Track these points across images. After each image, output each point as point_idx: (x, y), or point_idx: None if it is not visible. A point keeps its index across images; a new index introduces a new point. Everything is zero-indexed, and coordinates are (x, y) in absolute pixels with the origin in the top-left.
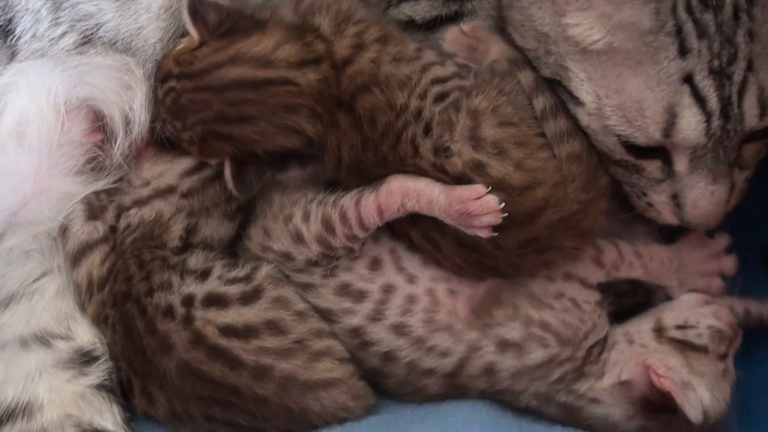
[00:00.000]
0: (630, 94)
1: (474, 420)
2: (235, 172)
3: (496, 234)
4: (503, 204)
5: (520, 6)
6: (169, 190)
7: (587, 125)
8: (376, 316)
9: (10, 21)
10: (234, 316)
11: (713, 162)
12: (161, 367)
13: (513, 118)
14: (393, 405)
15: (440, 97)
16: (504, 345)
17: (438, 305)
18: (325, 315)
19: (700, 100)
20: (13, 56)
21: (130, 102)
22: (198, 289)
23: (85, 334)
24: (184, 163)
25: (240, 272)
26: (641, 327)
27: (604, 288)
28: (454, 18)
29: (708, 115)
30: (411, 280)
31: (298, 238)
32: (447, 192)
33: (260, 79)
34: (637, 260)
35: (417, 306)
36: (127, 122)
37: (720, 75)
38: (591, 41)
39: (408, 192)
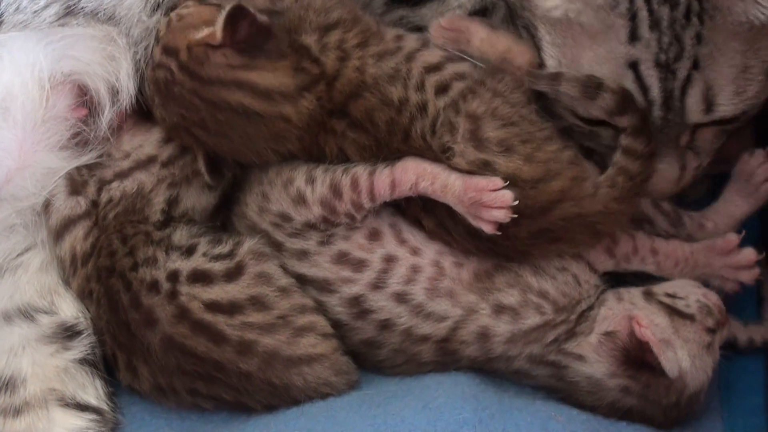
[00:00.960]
0: (582, 66)
1: (456, 395)
2: (209, 163)
3: (499, 233)
4: (517, 201)
5: None
6: (150, 160)
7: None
8: (378, 284)
9: None
10: (219, 292)
11: (658, 143)
12: (145, 341)
13: (513, 117)
14: (376, 380)
15: (442, 89)
16: (500, 309)
17: (443, 275)
18: (322, 285)
19: (643, 87)
20: None
21: (115, 73)
22: (183, 265)
23: (69, 309)
24: (159, 131)
25: (224, 249)
26: (631, 289)
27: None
28: None
29: (649, 104)
30: (415, 251)
31: (300, 200)
32: (464, 178)
33: (255, 111)
34: (652, 257)
35: (421, 275)
36: (114, 93)
37: (665, 69)
38: (548, 6)
39: (424, 173)
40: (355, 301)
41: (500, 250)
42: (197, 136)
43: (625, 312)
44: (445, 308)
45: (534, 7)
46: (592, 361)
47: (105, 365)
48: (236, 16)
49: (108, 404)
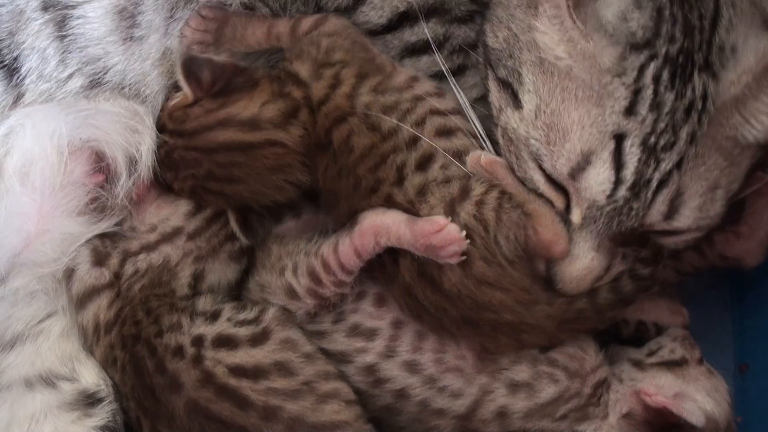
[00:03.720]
0: (563, 120)
1: None
2: (241, 219)
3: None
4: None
5: (507, 4)
6: (176, 233)
7: (515, 128)
8: (388, 353)
9: (15, 59)
10: (244, 356)
11: (604, 229)
12: (170, 406)
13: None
14: None
15: (444, 132)
16: (514, 386)
17: (444, 347)
18: (339, 357)
19: (618, 163)
20: (19, 97)
21: (136, 144)
22: (208, 330)
23: (90, 376)
24: (187, 204)
25: (249, 314)
26: (622, 365)
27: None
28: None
29: (618, 182)
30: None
31: (292, 294)
32: (411, 227)
33: (248, 143)
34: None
35: (426, 344)
36: (132, 163)
37: (651, 153)
38: (554, 55)
39: (379, 230)
40: (370, 370)
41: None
42: (214, 190)
43: (630, 389)
44: (458, 386)
45: (537, 49)
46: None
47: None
48: (190, 67)
49: None
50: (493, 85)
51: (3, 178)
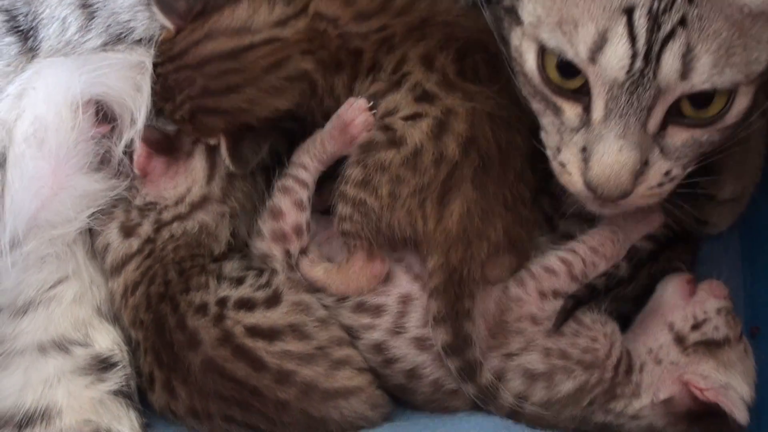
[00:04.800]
0: (571, 10)
1: (487, 427)
2: (231, 147)
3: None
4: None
5: None
6: (205, 200)
7: (517, 46)
8: (396, 330)
9: (33, 28)
10: (259, 317)
11: (626, 109)
12: (187, 362)
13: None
14: (407, 412)
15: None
16: (531, 376)
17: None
18: (347, 331)
19: (632, 36)
20: (33, 58)
21: (138, 105)
22: (232, 293)
23: (104, 341)
24: (200, 169)
25: (263, 279)
26: (661, 340)
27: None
28: None
29: (635, 54)
30: (425, 287)
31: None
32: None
33: (238, 48)
34: (596, 255)
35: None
36: (134, 120)
37: (655, 18)
38: None
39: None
40: (378, 348)
41: None
42: (212, 107)
43: (672, 374)
44: None
45: None
46: (651, 417)
47: (139, 397)
48: (166, 2)
49: None
50: (508, 28)
51: (15, 144)
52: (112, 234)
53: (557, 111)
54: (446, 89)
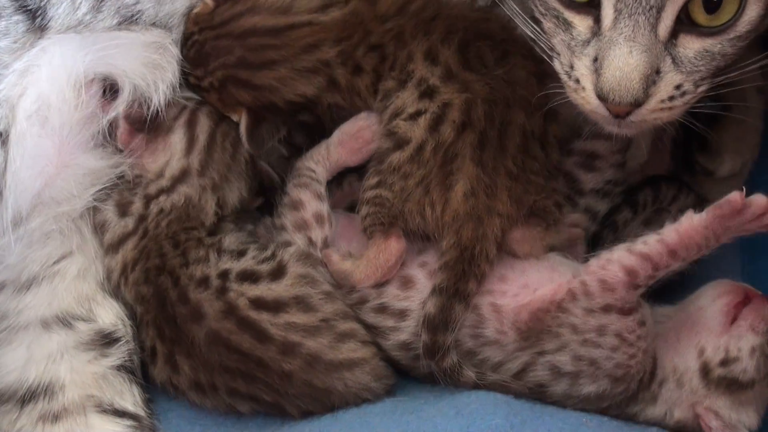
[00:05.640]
0: None
1: (488, 401)
2: (250, 126)
3: None
4: None
5: None
6: (185, 173)
7: None
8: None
9: (41, 7)
10: (264, 290)
11: (635, 8)
12: (190, 335)
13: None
14: (408, 386)
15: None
16: (559, 373)
17: (483, 321)
18: (373, 330)
19: None
20: (42, 36)
21: (155, 81)
22: (234, 266)
23: (107, 316)
24: (178, 142)
25: (267, 253)
26: (688, 363)
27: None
28: None
29: None
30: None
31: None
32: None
33: (281, 26)
34: (672, 259)
35: (464, 320)
36: (145, 97)
37: None
38: None
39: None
40: (407, 347)
41: None
42: (244, 79)
43: (689, 400)
44: (499, 358)
45: None
46: (661, 425)
47: (142, 372)
48: None
49: (145, 410)
50: None
51: (18, 121)
52: (109, 212)
53: (568, 26)
54: (447, 81)
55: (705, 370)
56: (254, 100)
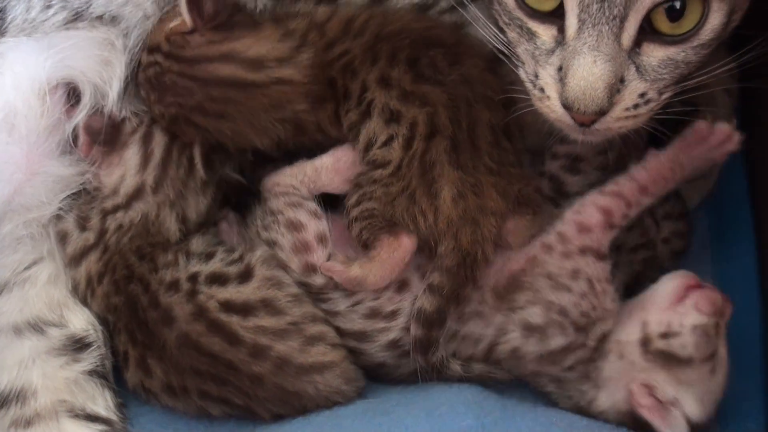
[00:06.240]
0: None
1: (459, 402)
2: (204, 154)
3: None
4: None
5: None
6: (139, 191)
7: None
8: (409, 325)
9: (1, 10)
10: (233, 292)
11: (599, 18)
12: (162, 338)
13: None
14: (380, 389)
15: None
16: (529, 329)
17: (468, 299)
18: (360, 336)
19: None
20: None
21: (108, 79)
22: (203, 268)
23: (78, 321)
24: (133, 157)
25: (235, 255)
26: (631, 336)
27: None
28: None
29: None
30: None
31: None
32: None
33: (249, 81)
34: (643, 195)
35: None
36: (101, 96)
37: None
38: None
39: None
40: (395, 345)
41: None
42: (197, 123)
43: (626, 376)
44: (480, 331)
45: None
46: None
47: (115, 377)
48: None
49: (117, 415)
50: None
51: None
52: (70, 224)
53: (532, 36)
54: (405, 102)
55: (645, 342)
56: (203, 139)
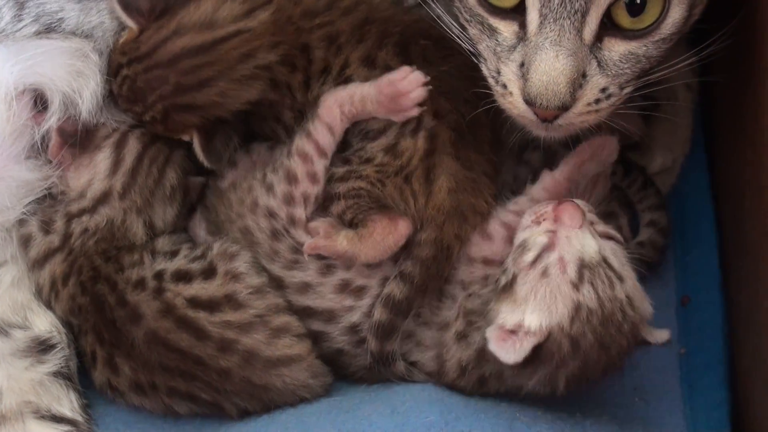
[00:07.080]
0: None
1: (422, 399)
2: (204, 143)
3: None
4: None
5: None
6: (106, 195)
7: None
8: (371, 312)
9: None
10: (198, 289)
11: (560, 13)
12: (130, 336)
13: None
14: (344, 387)
15: None
16: (461, 284)
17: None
18: (328, 315)
19: None
20: None
21: (79, 90)
22: (168, 266)
23: (42, 324)
24: (103, 161)
25: (198, 252)
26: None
27: None
28: None
29: None
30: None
31: (272, 214)
32: (376, 82)
33: (209, 41)
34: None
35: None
36: (71, 106)
37: None
38: None
39: (341, 98)
40: (354, 330)
41: None
42: (185, 103)
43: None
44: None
45: None
46: None
47: (79, 378)
48: (128, 1)
49: (83, 416)
50: None
51: None
52: (33, 227)
53: (493, 32)
54: None
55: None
56: (201, 119)
